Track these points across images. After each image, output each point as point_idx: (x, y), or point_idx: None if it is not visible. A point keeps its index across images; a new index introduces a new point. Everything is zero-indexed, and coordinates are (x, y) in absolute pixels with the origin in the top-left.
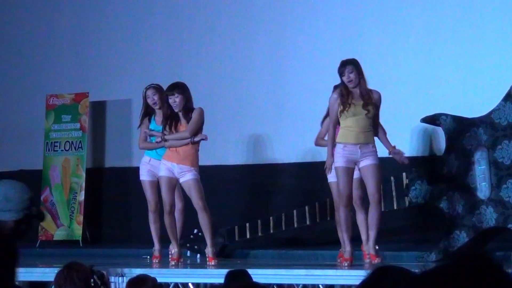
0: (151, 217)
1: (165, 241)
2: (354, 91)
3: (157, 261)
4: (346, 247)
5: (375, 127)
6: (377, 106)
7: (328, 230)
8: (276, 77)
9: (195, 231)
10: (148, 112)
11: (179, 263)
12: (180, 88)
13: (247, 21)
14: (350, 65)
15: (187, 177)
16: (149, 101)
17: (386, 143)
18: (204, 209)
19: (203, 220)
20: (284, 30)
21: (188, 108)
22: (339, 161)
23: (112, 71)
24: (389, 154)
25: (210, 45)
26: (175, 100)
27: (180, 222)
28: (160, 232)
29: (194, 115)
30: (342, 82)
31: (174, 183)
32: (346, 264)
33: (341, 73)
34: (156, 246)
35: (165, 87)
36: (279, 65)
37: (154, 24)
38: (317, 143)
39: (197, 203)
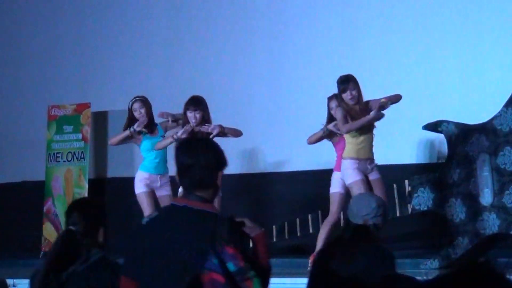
0: None
1: None
2: (354, 107)
3: None
4: None
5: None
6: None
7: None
8: (272, 86)
9: None
10: (131, 125)
11: None
12: (203, 104)
13: (244, 33)
14: (352, 83)
15: None
16: (136, 115)
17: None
18: None
19: None
20: (280, 41)
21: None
22: (356, 174)
23: (113, 81)
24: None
25: (208, 56)
26: (195, 116)
27: None
28: None
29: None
30: (341, 98)
31: None
32: None
33: (342, 89)
34: None
35: (162, 99)
36: (275, 73)
37: (155, 35)
38: (311, 141)
39: None
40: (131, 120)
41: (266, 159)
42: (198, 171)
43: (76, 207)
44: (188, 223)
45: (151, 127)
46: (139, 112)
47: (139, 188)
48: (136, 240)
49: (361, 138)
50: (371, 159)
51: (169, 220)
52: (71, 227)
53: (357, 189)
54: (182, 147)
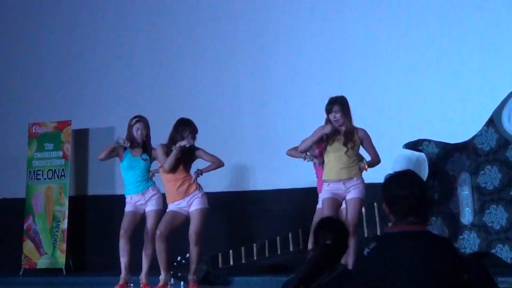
0: (120, 244)
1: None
2: (340, 128)
3: None
4: None
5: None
6: (362, 143)
7: None
8: (260, 105)
9: (179, 258)
10: (131, 140)
11: None
12: (194, 127)
13: (231, 51)
14: (337, 105)
15: (194, 206)
16: (136, 133)
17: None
18: (197, 243)
19: (193, 252)
20: (269, 58)
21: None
22: (325, 194)
23: (94, 99)
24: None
25: (194, 73)
26: (194, 137)
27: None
28: (129, 261)
29: (202, 153)
30: (328, 118)
31: (180, 217)
32: None
33: (328, 110)
34: (122, 273)
35: (148, 117)
36: (263, 92)
37: (137, 53)
38: (289, 153)
39: (191, 235)
40: (131, 137)
41: (248, 178)
42: (413, 200)
43: (328, 225)
44: (420, 246)
45: (145, 147)
46: (141, 132)
47: (126, 208)
48: (370, 271)
49: (330, 157)
50: (344, 180)
51: (397, 246)
52: (328, 242)
53: (323, 208)
54: (393, 180)
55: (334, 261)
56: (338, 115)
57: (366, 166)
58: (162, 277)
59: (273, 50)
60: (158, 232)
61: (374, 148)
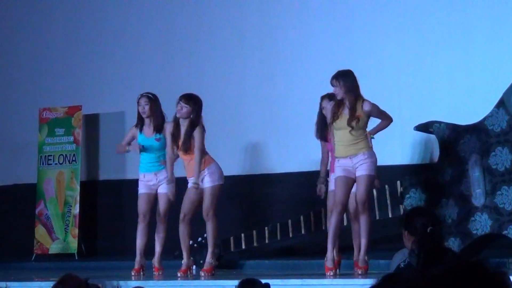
0: (138, 228)
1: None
2: (346, 103)
3: (134, 273)
4: (329, 255)
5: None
6: (371, 115)
7: (323, 239)
8: (271, 87)
9: (190, 242)
10: (141, 119)
11: (188, 275)
12: (192, 100)
13: (239, 34)
14: (338, 78)
15: (204, 184)
16: (139, 109)
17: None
18: (208, 219)
19: (208, 229)
20: (277, 40)
21: (192, 122)
22: (337, 172)
23: (105, 84)
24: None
25: (201, 57)
26: (182, 107)
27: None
28: (145, 246)
29: (196, 136)
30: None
31: (199, 194)
32: (331, 274)
33: (331, 82)
34: (137, 257)
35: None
36: (274, 75)
37: (147, 37)
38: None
39: (203, 212)
40: (138, 114)
41: (259, 161)
42: None
43: (423, 212)
44: None
45: (157, 127)
46: (143, 107)
47: (139, 189)
48: None
49: (337, 135)
50: (352, 155)
51: None
52: (432, 227)
53: (336, 188)
54: None
55: (442, 246)
56: (337, 89)
57: (371, 136)
58: (184, 261)
59: (281, 31)
60: (182, 214)
61: (383, 113)
